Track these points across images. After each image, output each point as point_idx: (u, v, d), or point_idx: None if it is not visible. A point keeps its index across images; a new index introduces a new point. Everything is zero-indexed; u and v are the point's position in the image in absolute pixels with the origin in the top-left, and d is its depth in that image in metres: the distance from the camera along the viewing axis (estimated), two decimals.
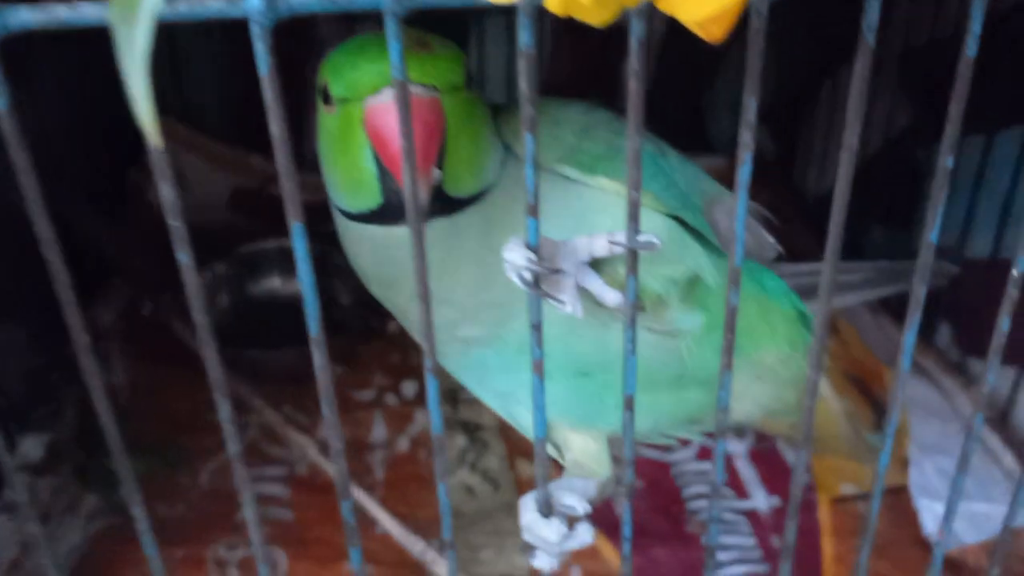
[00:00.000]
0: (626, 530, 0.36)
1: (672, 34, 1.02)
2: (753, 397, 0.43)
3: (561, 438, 0.42)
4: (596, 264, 0.34)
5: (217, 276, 0.84)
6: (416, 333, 0.42)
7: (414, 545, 0.59)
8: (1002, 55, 0.62)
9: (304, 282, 0.30)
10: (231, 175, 0.97)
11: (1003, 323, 0.34)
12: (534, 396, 0.32)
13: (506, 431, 0.72)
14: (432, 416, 0.32)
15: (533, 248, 0.29)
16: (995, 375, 0.35)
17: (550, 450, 0.43)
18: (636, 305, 0.31)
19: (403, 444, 0.71)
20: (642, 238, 0.29)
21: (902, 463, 0.65)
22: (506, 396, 0.42)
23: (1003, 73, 0.60)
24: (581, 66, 0.94)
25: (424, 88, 0.33)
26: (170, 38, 0.94)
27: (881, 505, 0.65)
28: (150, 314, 0.82)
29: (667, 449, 0.69)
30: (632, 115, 0.28)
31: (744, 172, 0.29)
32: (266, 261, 0.85)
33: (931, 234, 0.31)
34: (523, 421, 0.43)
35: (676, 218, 0.38)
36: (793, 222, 0.92)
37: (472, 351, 0.40)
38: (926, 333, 0.75)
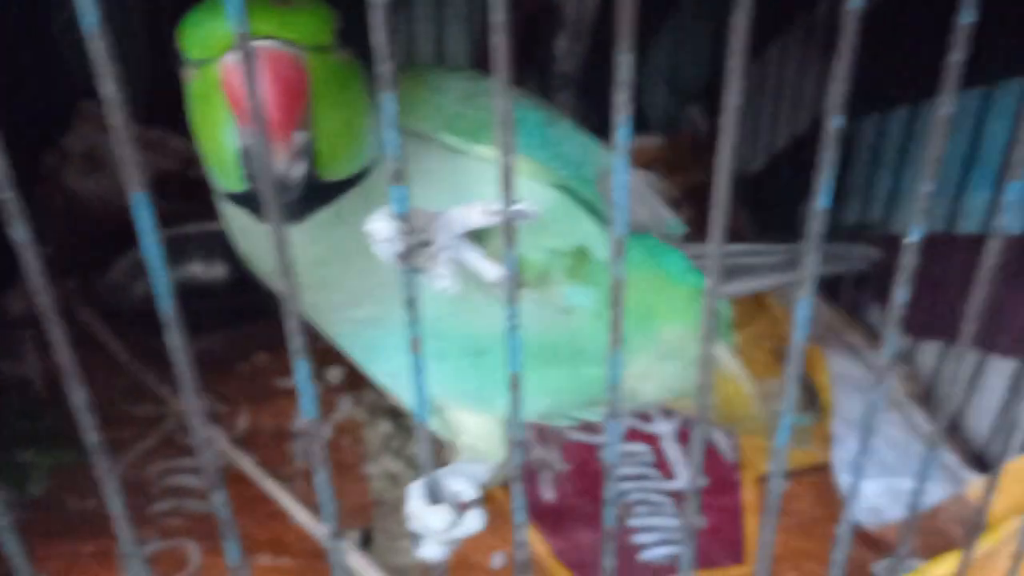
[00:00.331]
0: (518, 516, 0.34)
1: (605, 11, 1.01)
2: (660, 377, 0.42)
3: (455, 421, 0.41)
4: (479, 237, 0.32)
5: (135, 262, 0.81)
6: (309, 316, 0.40)
7: (311, 524, 0.57)
8: (928, 23, 0.61)
9: (151, 257, 0.28)
10: (151, 158, 0.93)
11: (898, 294, 0.33)
12: (414, 377, 0.30)
13: None
14: (303, 401, 0.30)
15: (401, 218, 0.27)
16: (893, 345, 0.34)
17: (444, 433, 0.42)
18: (516, 279, 0.29)
19: (325, 431, 0.69)
20: (518, 207, 0.28)
21: (827, 440, 0.64)
22: (396, 377, 0.41)
23: (929, 41, 0.59)
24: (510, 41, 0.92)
25: (282, 43, 0.30)
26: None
27: (805, 483, 0.65)
28: (56, 301, 0.79)
29: (593, 431, 0.68)
30: (498, 74, 0.26)
31: (622, 135, 0.27)
32: (186, 246, 0.82)
33: (820, 201, 0.30)
34: (407, 400, 0.41)
35: (566, 189, 0.37)
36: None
37: (361, 332, 0.38)
38: (855, 309, 0.75)
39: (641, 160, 1.00)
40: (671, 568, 0.58)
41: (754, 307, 0.77)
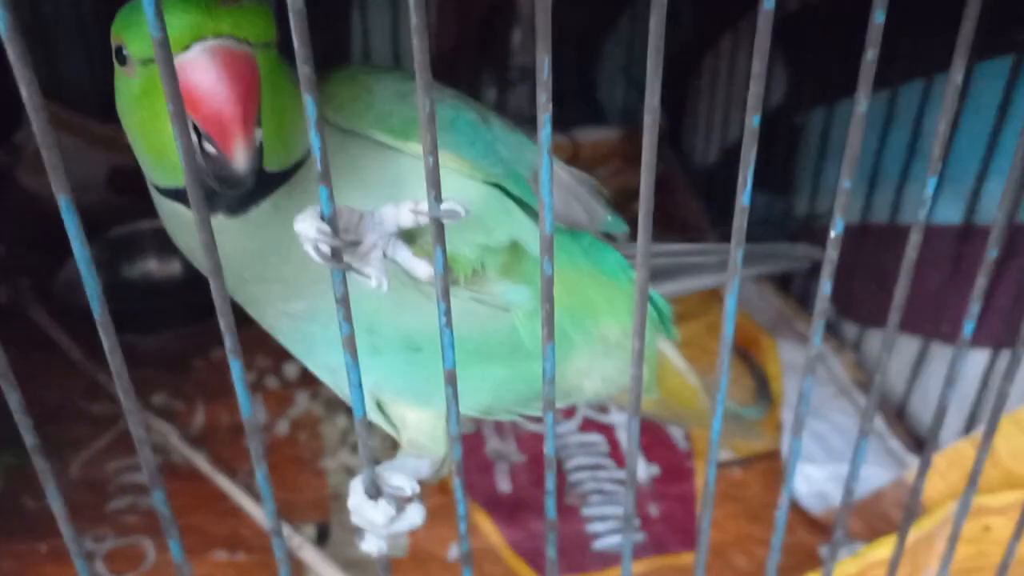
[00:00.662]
0: (460, 508, 0.35)
1: (562, 3, 1.01)
2: (601, 373, 0.42)
3: (398, 416, 0.41)
4: (412, 234, 0.32)
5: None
6: (250, 310, 0.40)
7: (259, 514, 0.58)
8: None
9: (80, 261, 0.28)
10: (108, 154, 0.93)
11: (824, 287, 0.34)
12: (349, 374, 0.31)
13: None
14: (240, 401, 0.31)
15: (329, 218, 0.28)
16: (820, 336, 0.35)
17: (388, 428, 0.42)
18: (447, 276, 0.29)
19: (283, 427, 0.69)
20: (446, 206, 0.28)
21: (777, 428, 0.66)
22: (335, 371, 0.41)
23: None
24: (467, 35, 0.92)
25: (236, 41, 0.30)
26: (37, 13, 0.90)
27: (756, 470, 0.66)
28: (8, 301, 0.78)
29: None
30: (420, 75, 0.26)
31: (544, 135, 0.28)
32: (141, 242, 0.82)
33: (743, 197, 0.31)
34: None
35: (500, 187, 0.37)
36: (682, 193, 0.92)
37: (299, 325, 0.39)
38: (806, 298, 0.76)
39: (600, 152, 1.01)
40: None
41: (710, 297, 0.78)
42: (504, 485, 0.64)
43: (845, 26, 0.65)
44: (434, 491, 0.63)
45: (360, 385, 0.31)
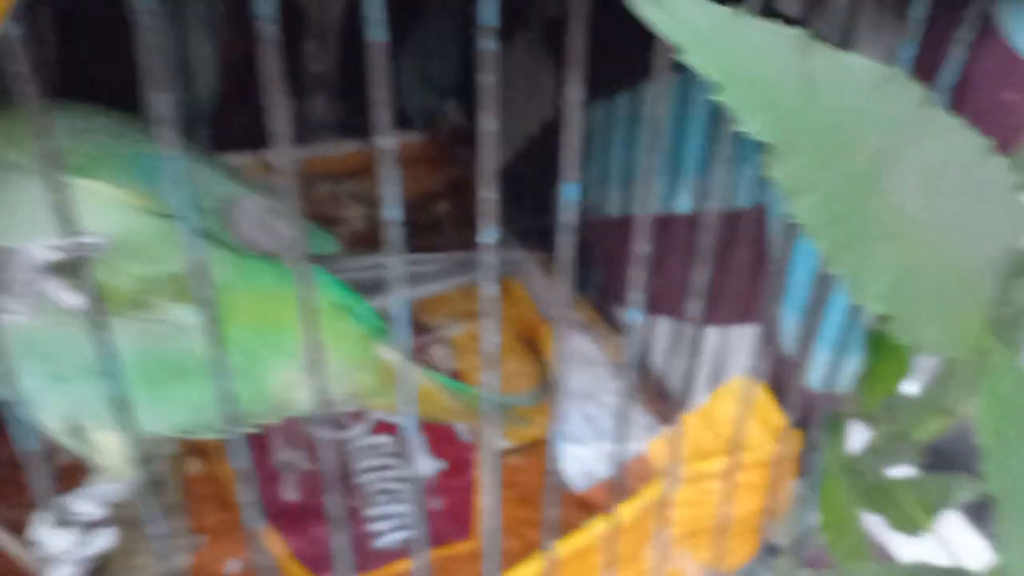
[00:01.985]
0: (157, 528, 0.36)
1: (354, 10, 1.02)
2: (310, 385, 0.44)
3: (93, 441, 0.42)
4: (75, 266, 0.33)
5: None
6: None
7: (26, 555, 0.57)
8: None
9: None
10: None
11: (488, 289, 0.36)
12: (11, 408, 0.31)
13: None
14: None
15: None
16: (495, 338, 0.37)
17: (84, 452, 0.43)
18: (101, 306, 0.30)
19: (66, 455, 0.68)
20: (84, 240, 0.29)
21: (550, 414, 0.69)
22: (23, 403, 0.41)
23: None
24: (249, 51, 0.92)
25: None
26: None
27: (530, 456, 0.69)
28: None
29: (341, 427, 0.70)
30: (33, 117, 0.27)
31: (171, 168, 0.29)
32: None
33: (389, 211, 0.33)
34: (47, 424, 0.42)
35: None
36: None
37: None
38: (582, 286, 0.81)
39: (403, 157, 1.03)
40: (404, 552, 0.61)
41: (500, 294, 0.81)
42: (291, 494, 0.65)
43: (595, 33, 0.69)
44: (216, 508, 0.63)
45: (22, 418, 0.32)
